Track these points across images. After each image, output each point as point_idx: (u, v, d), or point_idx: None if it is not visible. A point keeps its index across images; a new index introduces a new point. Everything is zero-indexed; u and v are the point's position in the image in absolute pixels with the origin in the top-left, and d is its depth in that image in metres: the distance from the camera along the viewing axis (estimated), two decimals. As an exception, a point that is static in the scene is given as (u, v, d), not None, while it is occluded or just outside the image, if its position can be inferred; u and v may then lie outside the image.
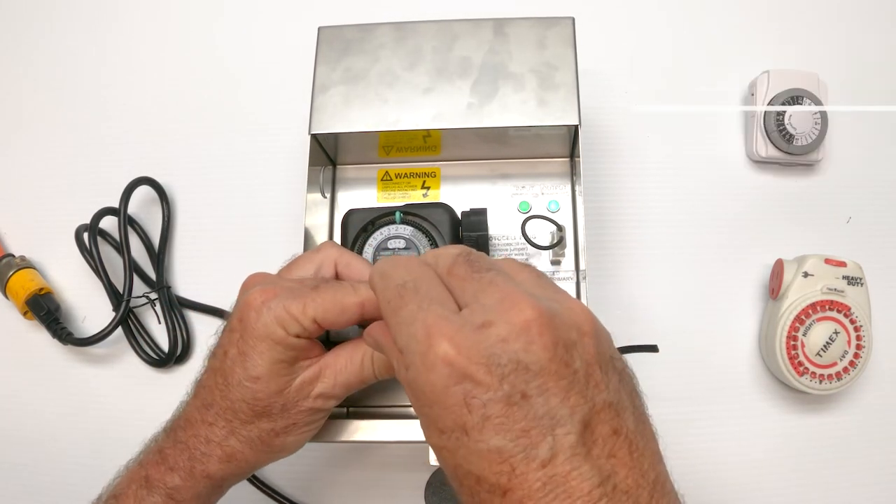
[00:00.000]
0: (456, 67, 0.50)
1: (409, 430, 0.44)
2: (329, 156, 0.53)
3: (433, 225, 0.48)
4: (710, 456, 0.55)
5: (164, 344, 0.59)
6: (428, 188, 0.54)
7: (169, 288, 0.60)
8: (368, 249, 0.48)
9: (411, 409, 0.30)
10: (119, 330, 0.58)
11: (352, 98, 0.50)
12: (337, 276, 0.43)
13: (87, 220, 0.57)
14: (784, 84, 0.59)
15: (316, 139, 0.50)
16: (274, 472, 0.56)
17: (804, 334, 0.53)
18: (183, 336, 0.59)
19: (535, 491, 0.25)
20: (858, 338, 0.53)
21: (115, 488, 0.41)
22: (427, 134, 0.50)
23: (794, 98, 0.59)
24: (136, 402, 0.59)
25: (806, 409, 0.56)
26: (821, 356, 0.52)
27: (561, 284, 0.50)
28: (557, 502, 0.25)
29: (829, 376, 0.53)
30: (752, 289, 0.59)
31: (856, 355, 0.53)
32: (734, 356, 0.57)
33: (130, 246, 0.59)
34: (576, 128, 0.49)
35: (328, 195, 0.54)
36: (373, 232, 0.48)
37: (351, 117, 0.49)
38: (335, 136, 0.50)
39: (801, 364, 0.53)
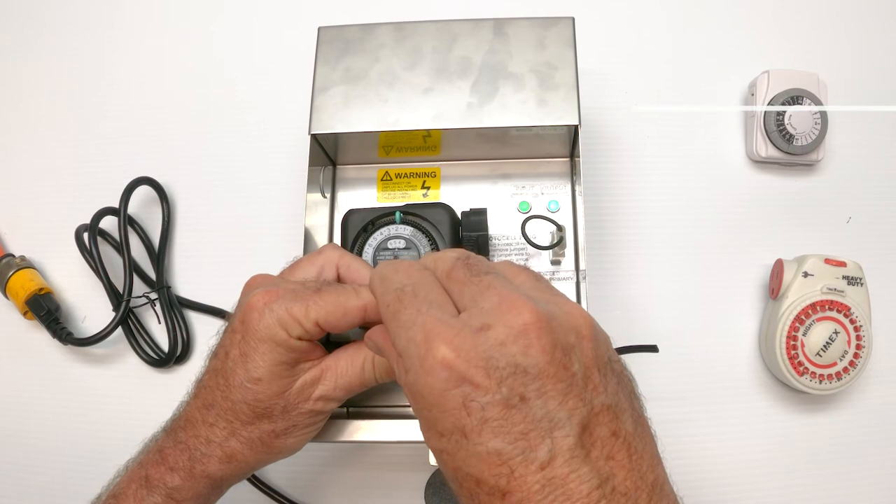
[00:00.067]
0: (456, 67, 0.50)
1: (409, 430, 0.45)
2: (329, 156, 0.53)
3: (433, 225, 0.48)
4: (710, 456, 0.55)
5: (164, 344, 0.59)
6: (428, 188, 0.54)
7: (169, 288, 0.60)
8: (368, 249, 0.48)
9: (411, 410, 0.30)
10: (119, 330, 0.58)
11: (352, 98, 0.50)
12: (338, 279, 0.43)
13: (87, 220, 0.57)
14: (784, 84, 0.59)
15: (316, 139, 0.50)
16: (274, 472, 0.56)
17: (804, 334, 0.53)
18: (183, 336, 0.59)
19: (534, 493, 0.26)
20: (858, 338, 0.53)
21: (115, 488, 0.41)
22: (427, 134, 0.50)
23: (794, 98, 0.59)
24: (136, 402, 0.59)
25: (806, 409, 0.56)
26: (821, 356, 0.52)
27: (561, 284, 0.51)
28: (556, 504, 0.25)
29: (829, 376, 0.53)
30: (752, 289, 0.59)
31: (856, 355, 0.53)
32: (734, 356, 0.58)
33: (130, 246, 0.59)
34: (576, 128, 0.49)
35: (328, 195, 0.54)
36: (373, 232, 0.48)
37: (351, 117, 0.49)
38: (335, 136, 0.50)
39: (801, 364, 0.53)
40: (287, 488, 0.56)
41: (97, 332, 0.57)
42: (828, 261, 0.54)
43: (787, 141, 0.58)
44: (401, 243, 0.48)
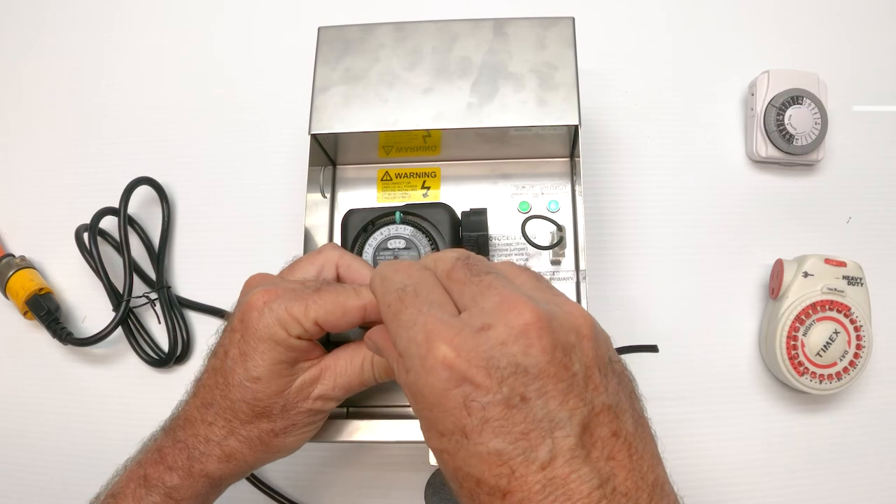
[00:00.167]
0: (456, 67, 0.50)
1: (409, 430, 0.45)
2: (329, 156, 0.53)
3: (433, 225, 0.48)
4: (710, 456, 0.55)
5: (164, 344, 0.59)
6: (428, 188, 0.54)
7: (169, 288, 0.60)
8: (368, 249, 0.48)
9: (411, 410, 0.30)
10: (119, 330, 0.58)
11: (352, 98, 0.50)
12: (338, 279, 0.43)
13: (87, 220, 0.57)
14: (784, 84, 0.59)
15: (316, 139, 0.50)
16: (273, 472, 0.56)
17: (804, 334, 0.53)
18: (183, 336, 0.59)
19: (534, 493, 0.26)
20: (858, 338, 0.53)
21: (114, 487, 0.41)
22: (427, 134, 0.50)
23: (794, 98, 0.59)
24: (136, 402, 0.59)
25: (806, 409, 0.56)
26: (821, 356, 0.52)
27: (561, 284, 0.51)
28: (557, 505, 0.25)
29: (829, 376, 0.53)
30: (752, 289, 0.59)
31: (856, 355, 0.53)
32: (734, 356, 0.57)
33: (130, 246, 0.59)
34: (576, 128, 0.49)
35: (328, 195, 0.54)
36: (373, 232, 0.48)
37: (351, 117, 0.49)
38: (335, 136, 0.50)
39: (801, 364, 0.53)
40: (286, 488, 0.56)
41: (97, 332, 0.57)
42: (828, 261, 0.54)
43: (787, 141, 0.58)
44: (401, 243, 0.48)
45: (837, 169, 0.62)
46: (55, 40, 0.71)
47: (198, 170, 0.64)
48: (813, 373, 0.53)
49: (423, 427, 0.29)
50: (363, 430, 0.45)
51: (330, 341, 0.45)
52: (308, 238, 0.49)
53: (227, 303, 0.57)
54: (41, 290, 0.59)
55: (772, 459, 0.55)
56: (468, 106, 0.49)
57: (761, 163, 0.62)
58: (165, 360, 0.58)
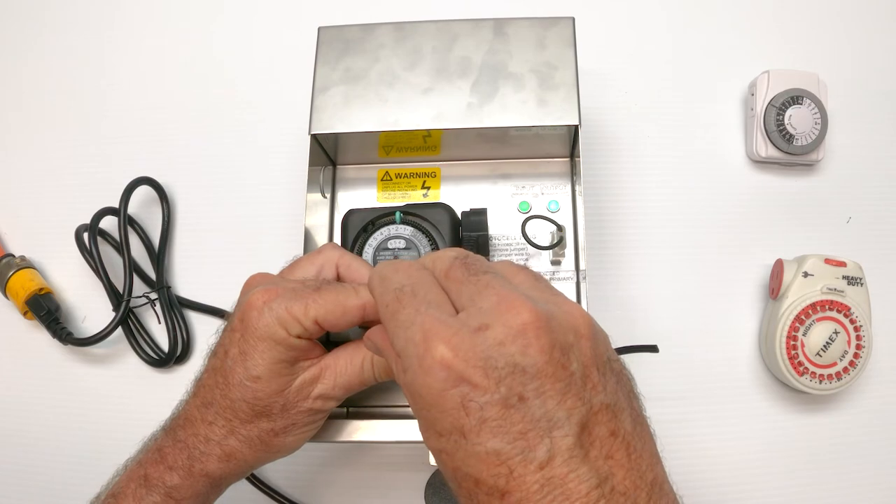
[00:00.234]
0: (456, 67, 0.50)
1: (409, 430, 0.45)
2: (329, 156, 0.53)
3: (433, 225, 0.48)
4: (710, 456, 0.55)
5: (164, 344, 0.59)
6: (428, 188, 0.54)
7: (169, 288, 0.60)
8: (368, 249, 0.48)
9: (411, 410, 0.30)
10: (119, 330, 0.58)
11: (352, 98, 0.50)
12: (338, 278, 0.43)
13: (87, 220, 0.57)
14: (784, 84, 0.59)
15: (316, 139, 0.50)
16: (273, 472, 0.56)
17: (804, 334, 0.53)
18: (183, 336, 0.59)
19: (533, 493, 0.26)
20: (858, 338, 0.53)
21: (114, 487, 0.41)
22: (427, 134, 0.50)
23: (794, 98, 0.59)
24: (136, 402, 0.59)
25: (806, 409, 0.56)
26: (821, 356, 0.52)
27: (561, 284, 0.51)
28: (555, 504, 0.25)
29: (829, 376, 0.53)
30: (752, 289, 0.59)
31: (856, 355, 0.53)
32: (734, 356, 0.57)
33: (130, 246, 0.59)
34: (576, 128, 0.49)
35: (328, 195, 0.54)
36: (373, 232, 0.48)
37: (351, 117, 0.49)
38: (335, 136, 0.50)
39: (801, 364, 0.53)
40: (286, 488, 0.56)
41: (97, 332, 0.57)
42: (828, 261, 0.54)
43: (787, 141, 0.58)
44: (401, 243, 0.48)
45: (837, 169, 0.62)
46: (55, 40, 0.71)
47: (198, 170, 0.64)
48: (813, 373, 0.52)
49: (421, 427, 0.29)
50: (363, 430, 0.45)
51: (330, 341, 0.45)
52: (308, 238, 0.49)
53: (227, 303, 0.57)
54: (41, 290, 0.59)
55: (772, 459, 0.55)
56: (468, 106, 0.49)
57: (761, 163, 0.62)
58: (165, 360, 0.58)
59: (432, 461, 0.41)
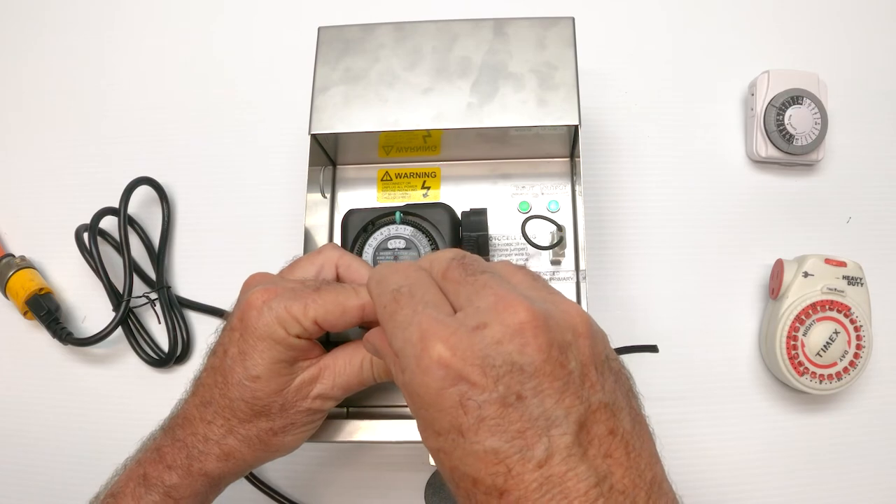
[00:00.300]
0: (456, 67, 0.50)
1: (409, 430, 0.45)
2: (329, 156, 0.53)
3: (433, 225, 0.48)
4: (710, 456, 0.55)
5: (164, 344, 0.59)
6: (428, 188, 0.54)
7: (169, 288, 0.60)
8: (368, 249, 0.48)
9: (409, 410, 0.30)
10: (119, 330, 0.58)
11: (352, 98, 0.50)
12: (337, 278, 0.43)
13: (87, 220, 0.57)
14: (784, 84, 0.59)
15: (316, 139, 0.50)
16: (273, 472, 0.56)
17: (804, 334, 0.53)
18: (183, 336, 0.59)
19: (531, 492, 0.26)
20: (858, 338, 0.53)
21: (114, 487, 0.41)
22: (427, 134, 0.50)
23: (794, 98, 0.59)
24: (136, 401, 0.59)
25: (806, 409, 0.56)
26: (821, 356, 0.52)
27: (561, 284, 0.51)
28: (554, 503, 0.25)
29: (829, 376, 0.53)
30: (752, 289, 0.59)
31: (856, 355, 0.53)
32: (734, 356, 0.57)
33: (130, 246, 0.59)
34: (576, 128, 0.49)
35: (328, 195, 0.54)
36: (373, 232, 0.48)
37: (351, 117, 0.49)
38: (335, 136, 0.50)
39: (801, 364, 0.53)
40: (286, 488, 0.56)
41: (97, 332, 0.57)
42: (828, 261, 0.54)
43: (787, 141, 0.58)
44: (401, 243, 0.48)
45: (837, 169, 0.62)
46: (55, 40, 0.71)
47: (198, 170, 0.64)
48: (813, 373, 0.52)
49: (419, 427, 0.29)
50: (363, 430, 0.45)
51: (330, 341, 0.45)
52: (308, 238, 0.49)
53: (227, 303, 0.57)
54: (41, 290, 0.59)
55: (772, 459, 0.55)
56: (468, 106, 0.49)
57: (761, 163, 0.61)
58: (165, 360, 0.58)
59: (432, 461, 0.40)
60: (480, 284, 0.30)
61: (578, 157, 0.50)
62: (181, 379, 0.57)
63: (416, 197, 0.53)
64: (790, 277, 0.55)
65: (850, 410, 0.56)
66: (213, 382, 0.40)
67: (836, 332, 0.52)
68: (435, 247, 0.47)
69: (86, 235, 0.58)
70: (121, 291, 0.58)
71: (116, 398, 0.59)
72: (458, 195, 0.53)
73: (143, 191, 0.62)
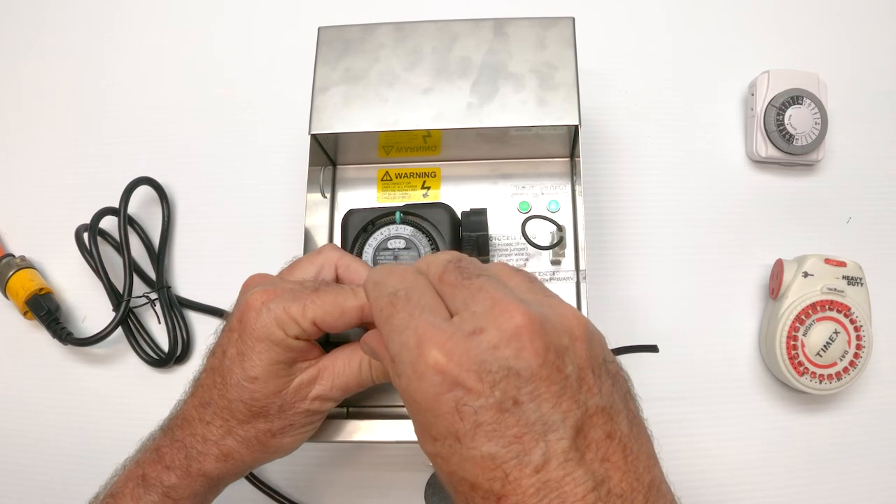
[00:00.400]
0: (456, 67, 0.50)
1: (409, 430, 0.44)
2: (329, 156, 0.53)
3: (433, 225, 0.48)
4: (710, 456, 0.55)
5: (164, 344, 0.59)
6: (428, 188, 0.54)
7: (169, 288, 0.60)
8: (368, 249, 0.48)
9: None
10: (119, 330, 0.58)
11: (352, 98, 0.50)
12: (337, 279, 0.43)
13: (87, 220, 0.57)
14: (784, 84, 0.59)
15: (316, 139, 0.50)
16: (272, 472, 0.56)
17: (804, 334, 0.53)
18: (183, 336, 0.59)
19: (528, 497, 0.26)
20: (858, 338, 0.53)
21: (113, 487, 0.41)
22: (427, 134, 0.50)
23: (794, 98, 0.59)
24: (136, 402, 0.59)
25: (806, 409, 0.56)
26: (821, 356, 0.52)
27: (561, 284, 0.51)
28: (552, 507, 0.25)
29: (829, 376, 0.53)
30: (752, 289, 0.59)
31: (856, 355, 0.53)
32: (734, 356, 0.57)
33: (130, 246, 0.59)
34: (576, 128, 0.49)
35: (328, 195, 0.54)
36: (373, 232, 0.48)
37: (351, 117, 0.49)
38: (335, 136, 0.50)
39: (801, 364, 0.53)
40: (286, 488, 0.56)
41: (97, 332, 0.57)
42: (828, 261, 0.54)
43: (787, 141, 0.58)
44: (401, 243, 0.48)
45: (837, 169, 0.62)
46: (55, 40, 0.71)
47: (198, 170, 0.64)
48: (813, 373, 0.52)
49: (417, 431, 0.29)
50: (363, 430, 0.45)
51: (329, 342, 0.45)
52: (308, 238, 0.49)
53: (227, 303, 0.57)
54: (41, 290, 0.59)
55: (772, 459, 0.55)
56: (468, 106, 0.49)
57: (761, 163, 0.61)
58: (165, 360, 0.58)
59: (431, 462, 0.41)
60: (476, 288, 0.30)
61: (578, 157, 0.50)
62: (181, 379, 0.56)
63: (416, 197, 0.53)
64: (790, 277, 0.55)
65: (850, 410, 0.56)
66: (212, 383, 0.40)
67: (836, 332, 0.52)
68: (435, 247, 0.47)
69: (86, 235, 0.58)
70: (121, 291, 0.58)
71: (116, 398, 0.59)
72: (458, 195, 0.53)
73: (143, 191, 0.62)
